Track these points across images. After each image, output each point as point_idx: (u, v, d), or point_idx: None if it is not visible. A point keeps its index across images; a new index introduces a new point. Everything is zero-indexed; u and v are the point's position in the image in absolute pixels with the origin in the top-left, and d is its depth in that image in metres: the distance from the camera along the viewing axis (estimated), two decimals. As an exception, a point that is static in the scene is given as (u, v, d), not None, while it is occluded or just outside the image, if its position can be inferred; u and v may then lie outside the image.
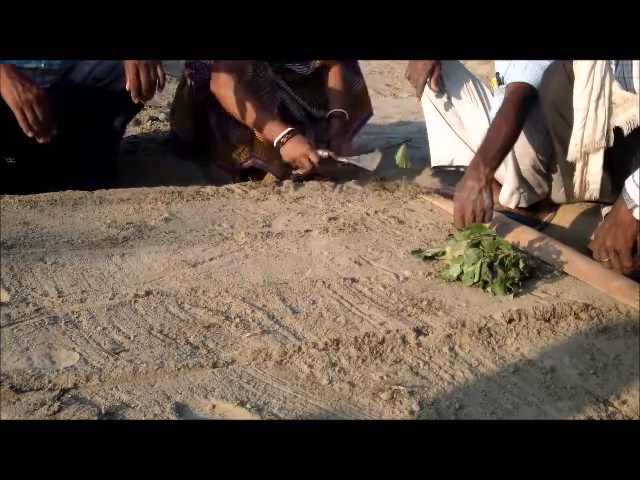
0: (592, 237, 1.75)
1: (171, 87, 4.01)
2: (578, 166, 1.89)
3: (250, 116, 2.31)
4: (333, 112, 2.52)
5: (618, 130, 1.79)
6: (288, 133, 2.28)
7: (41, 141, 1.95)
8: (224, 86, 2.33)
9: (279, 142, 2.28)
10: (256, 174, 2.45)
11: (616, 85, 1.75)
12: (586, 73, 1.75)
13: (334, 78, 2.59)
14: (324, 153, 2.29)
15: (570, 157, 1.87)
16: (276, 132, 2.29)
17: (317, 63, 2.57)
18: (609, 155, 1.84)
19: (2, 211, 1.88)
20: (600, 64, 1.74)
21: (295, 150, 2.28)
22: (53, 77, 2.18)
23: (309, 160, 2.26)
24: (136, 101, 2.02)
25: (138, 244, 1.74)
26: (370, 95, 2.88)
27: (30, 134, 1.93)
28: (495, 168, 1.89)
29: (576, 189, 1.93)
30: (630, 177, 1.52)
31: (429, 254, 1.75)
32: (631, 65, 1.74)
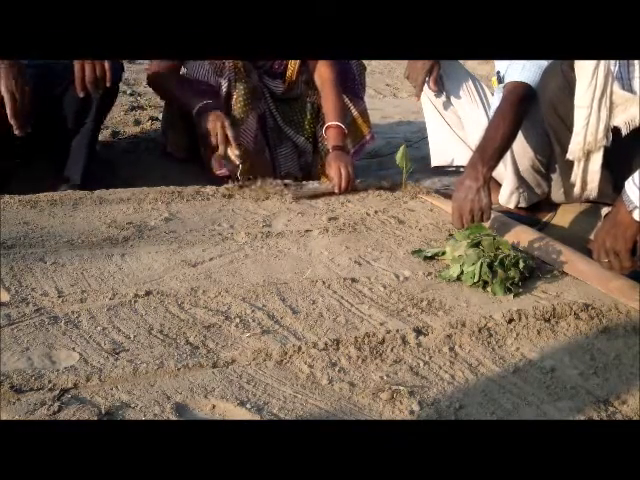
0: (592, 237, 1.75)
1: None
2: (579, 165, 1.89)
3: (178, 98, 2.37)
4: (329, 125, 2.41)
5: (616, 130, 1.79)
6: (205, 104, 2.27)
7: (17, 133, 2.01)
8: (158, 76, 2.40)
9: (197, 112, 2.27)
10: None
11: (616, 85, 1.75)
12: (590, 71, 1.75)
13: (327, 92, 2.49)
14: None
15: (572, 155, 1.87)
16: (194, 104, 2.28)
17: (289, 80, 2.52)
18: (607, 155, 1.84)
19: (2, 211, 1.88)
20: (603, 63, 1.74)
21: (212, 121, 2.24)
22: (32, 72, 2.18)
23: (225, 136, 2.23)
24: (81, 95, 2.08)
25: (138, 244, 1.74)
26: (370, 95, 2.86)
27: (13, 121, 1.99)
28: (493, 167, 1.88)
29: (576, 188, 1.93)
30: (630, 178, 1.52)
31: (429, 254, 1.75)
32: (628, 65, 1.74)
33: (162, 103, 3.49)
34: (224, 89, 2.35)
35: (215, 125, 2.24)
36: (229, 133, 2.24)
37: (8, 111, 1.98)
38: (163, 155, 2.72)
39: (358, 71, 2.68)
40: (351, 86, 2.64)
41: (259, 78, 2.48)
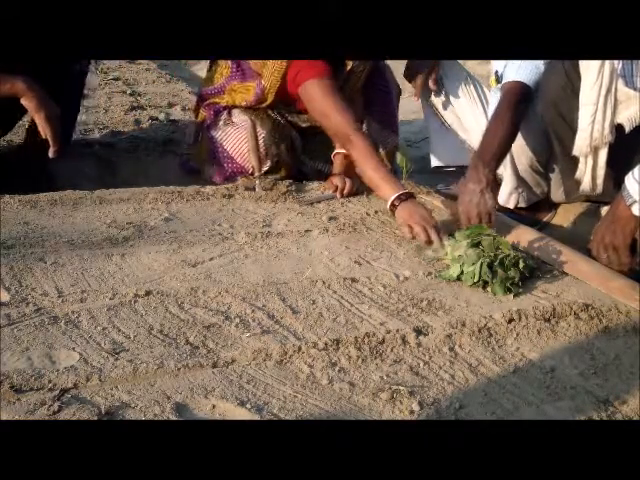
0: (592, 236, 1.75)
1: (171, 87, 4.02)
2: (586, 161, 1.88)
3: (336, 114, 2.07)
4: (336, 152, 2.29)
5: (619, 127, 1.79)
6: (402, 195, 1.93)
7: (52, 155, 2.09)
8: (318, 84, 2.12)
9: (392, 205, 1.94)
10: None
11: (620, 82, 1.75)
12: (596, 69, 1.75)
13: None
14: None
15: (578, 152, 1.87)
16: (389, 193, 1.95)
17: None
18: (610, 152, 1.84)
19: (2, 211, 1.88)
20: (608, 60, 1.74)
21: (411, 216, 1.88)
22: None
23: (425, 230, 1.84)
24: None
25: (138, 244, 1.74)
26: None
27: (54, 147, 2.08)
28: (495, 169, 1.89)
29: (584, 184, 1.93)
30: (630, 173, 1.52)
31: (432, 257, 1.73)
32: (632, 63, 1.74)
33: (162, 103, 3.50)
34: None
35: (415, 217, 1.88)
36: (429, 228, 1.85)
37: (51, 139, 2.06)
38: (169, 140, 2.78)
39: (396, 100, 2.53)
40: (390, 120, 2.49)
41: (282, 116, 2.39)
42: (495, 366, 1.29)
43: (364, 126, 2.37)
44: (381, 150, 2.47)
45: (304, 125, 2.43)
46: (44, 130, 2.07)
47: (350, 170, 2.24)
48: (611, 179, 1.94)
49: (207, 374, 1.21)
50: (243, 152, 2.30)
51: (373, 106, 2.45)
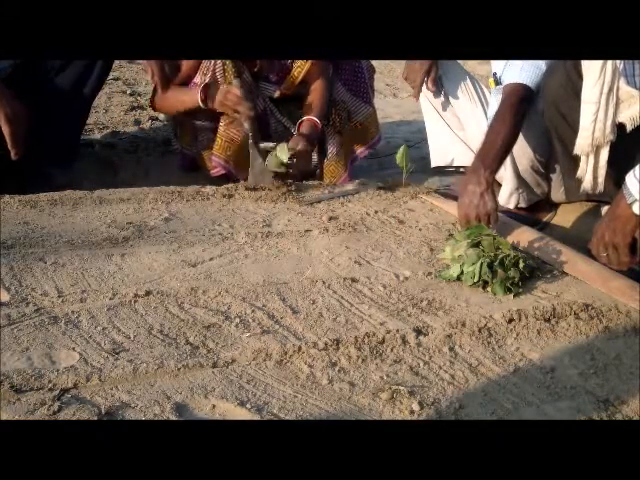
0: (592, 234, 1.74)
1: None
2: (587, 160, 1.88)
3: (178, 100, 2.32)
4: (304, 119, 2.37)
5: (621, 127, 1.79)
6: (205, 88, 2.25)
7: (14, 158, 2.01)
8: (159, 99, 2.37)
9: (202, 100, 2.25)
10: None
11: (622, 81, 1.75)
12: (598, 67, 1.75)
13: (313, 93, 2.44)
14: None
15: (579, 150, 1.86)
16: (195, 94, 2.26)
17: (288, 85, 2.44)
18: (611, 152, 1.84)
19: (2, 211, 1.88)
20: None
21: (223, 96, 2.22)
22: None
23: (240, 101, 2.20)
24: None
25: (138, 244, 1.74)
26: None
27: (13, 150, 2.00)
28: (495, 171, 1.88)
29: (585, 183, 1.92)
30: (631, 171, 1.52)
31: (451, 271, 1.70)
32: (634, 62, 1.73)
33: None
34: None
35: (227, 97, 2.22)
36: (239, 94, 2.21)
37: (9, 141, 1.99)
38: (169, 140, 2.74)
39: (369, 74, 2.61)
40: (362, 90, 2.57)
41: (253, 80, 2.42)
42: (495, 366, 1.29)
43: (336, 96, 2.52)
44: (356, 119, 2.56)
45: (275, 95, 2.48)
46: (4, 131, 1.99)
47: (309, 132, 2.35)
48: (612, 179, 1.94)
49: (207, 374, 1.21)
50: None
51: (343, 77, 2.53)
